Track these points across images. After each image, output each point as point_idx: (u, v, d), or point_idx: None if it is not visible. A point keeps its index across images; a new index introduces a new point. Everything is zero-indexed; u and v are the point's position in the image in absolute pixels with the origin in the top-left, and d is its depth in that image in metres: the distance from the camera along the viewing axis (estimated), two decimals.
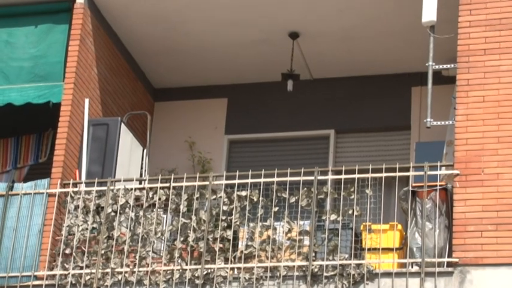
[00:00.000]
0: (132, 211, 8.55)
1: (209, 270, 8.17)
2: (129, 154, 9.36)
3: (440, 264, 7.88)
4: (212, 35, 9.74)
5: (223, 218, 8.35)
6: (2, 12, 9.37)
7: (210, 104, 10.38)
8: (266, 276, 8.07)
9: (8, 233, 8.66)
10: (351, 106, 10.07)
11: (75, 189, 8.72)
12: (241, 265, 8.14)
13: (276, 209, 8.29)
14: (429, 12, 8.42)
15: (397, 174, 8.20)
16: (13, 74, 9.18)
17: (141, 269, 8.29)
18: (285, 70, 9.78)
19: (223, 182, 8.51)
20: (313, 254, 8.06)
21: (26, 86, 9.07)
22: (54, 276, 8.43)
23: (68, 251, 8.52)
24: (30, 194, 8.76)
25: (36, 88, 9.04)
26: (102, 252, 8.42)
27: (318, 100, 10.13)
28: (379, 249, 8.05)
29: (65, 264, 8.46)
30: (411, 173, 8.22)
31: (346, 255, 8.07)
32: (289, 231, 8.22)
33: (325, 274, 7.97)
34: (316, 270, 8.00)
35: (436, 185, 8.10)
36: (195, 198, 8.46)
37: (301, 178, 8.33)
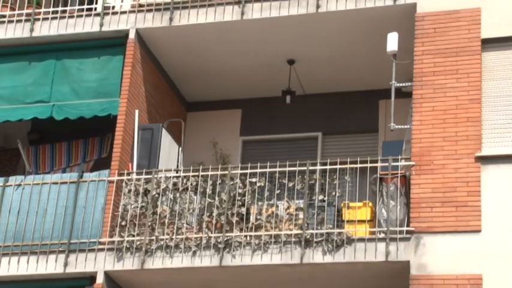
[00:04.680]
0: (171, 193, 8.56)
1: (228, 237, 8.19)
2: (168, 151, 9.35)
3: (400, 232, 7.87)
4: (230, 61, 9.75)
5: (239, 198, 8.38)
6: (76, 46, 9.34)
7: (228, 114, 10.33)
8: (271, 242, 8.09)
9: (79, 210, 8.67)
10: (334, 114, 10.03)
11: (129, 177, 8.72)
12: (252, 233, 8.16)
13: (278, 191, 8.31)
14: (392, 44, 8.45)
15: (369, 165, 8.22)
16: (82, 92, 9.19)
17: (178, 236, 8.30)
18: (284, 88, 9.77)
19: (239, 171, 8.50)
20: (306, 225, 8.08)
21: (92, 102, 9.07)
22: (113, 242, 8.45)
23: (123, 223, 8.51)
24: (95, 181, 8.76)
25: (99, 103, 9.04)
26: (149, 224, 8.43)
27: (309, 110, 10.11)
28: (355, 221, 8.09)
29: (121, 233, 8.46)
30: (379, 164, 8.22)
31: (331, 226, 8.09)
32: (288, 207, 8.25)
33: (315, 240, 8.00)
34: (308, 237, 8.02)
35: (398, 173, 8.09)
36: (217, 183, 8.47)
37: (297, 168, 8.32)
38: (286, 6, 8.88)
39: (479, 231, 7.73)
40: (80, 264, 8.46)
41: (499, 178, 7.87)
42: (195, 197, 8.55)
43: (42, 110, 9.17)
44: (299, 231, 8.09)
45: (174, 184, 8.61)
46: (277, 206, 8.26)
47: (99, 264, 8.42)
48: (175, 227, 8.39)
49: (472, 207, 7.82)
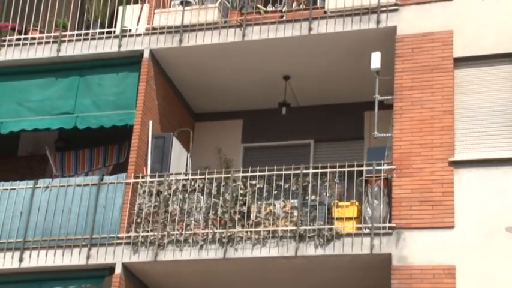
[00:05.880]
0: (181, 194, 8.57)
1: (231, 233, 8.21)
2: (178, 156, 9.33)
3: (383, 228, 7.91)
4: (232, 77, 9.69)
5: (240, 198, 8.40)
6: (97, 64, 9.33)
7: (231, 124, 10.27)
8: (269, 237, 8.12)
9: (100, 209, 8.68)
10: (325, 124, 9.97)
11: (143, 180, 8.73)
12: (253, 229, 8.17)
13: (275, 192, 8.32)
14: (375, 62, 8.43)
15: (355, 169, 8.21)
16: (102, 105, 9.19)
17: (187, 232, 8.31)
18: (281, 100, 9.71)
19: (240, 174, 8.50)
20: (300, 222, 8.10)
21: (111, 113, 9.09)
22: (130, 237, 8.48)
23: (138, 221, 8.54)
24: (114, 183, 8.76)
25: (118, 114, 9.05)
26: (161, 221, 8.46)
27: (302, 120, 10.03)
28: (343, 218, 8.09)
29: (137, 229, 8.48)
30: (364, 168, 8.20)
31: (322, 222, 8.09)
32: (284, 206, 8.25)
33: (308, 235, 8.01)
34: (302, 232, 8.04)
35: (381, 176, 8.11)
36: (222, 185, 8.48)
37: (292, 172, 8.35)
38: (282, 29, 8.94)
39: (452, 227, 7.79)
40: (101, 257, 8.51)
41: (470, 180, 7.93)
42: (202, 197, 8.58)
43: (67, 121, 9.20)
44: (294, 227, 8.12)
45: (183, 186, 8.66)
46: (274, 205, 8.30)
47: (118, 256, 8.47)
48: (184, 224, 8.42)
49: (446, 206, 7.87)
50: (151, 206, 8.61)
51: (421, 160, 8.06)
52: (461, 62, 8.36)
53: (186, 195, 8.58)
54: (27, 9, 9.84)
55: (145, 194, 8.68)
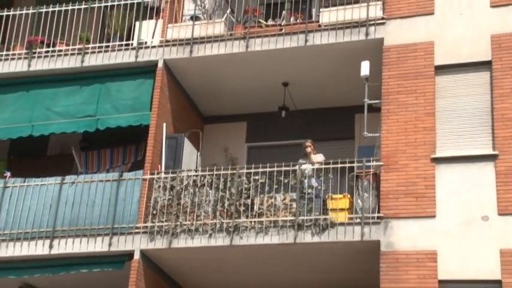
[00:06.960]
0: (192, 188, 8.58)
1: (237, 223, 8.23)
2: (189, 155, 9.31)
3: (373, 218, 7.92)
4: (237, 84, 9.66)
5: (245, 192, 8.41)
6: (116, 73, 9.35)
7: (236, 126, 10.25)
8: (270, 226, 8.13)
9: (120, 202, 8.72)
10: (320, 125, 9.93)
11: (158, 176, 8.74)
12: (256, 219, 8.19)
13: (276, 186, 8.32)
14: (365, 69, 8.41)
15: (347, 165, 8.23)
16: (120, 108, 9.20)
17: (197, 222, 8.34)
18: (280, 104, 9.69)
19: (245, 171, 8.51)
20: (298, 213, 8.11)
21: (128, 115, 9.11)
22: (147, 226, 8.51)
23: (154, 212, 8.56)
24: (132, 179, 8.79)
25: (133, 116, 9.08)
26: (174, 212, 8.48)
27: (300, 122, 9.99)
28: (337, 209, 8.12)
29: (153, 220, 8.50)
30: (355, 165, 8.23)
31: (318, 213, 8.12)
32: (284, 199, 8.26)
33: (305, 224, 8.02)
34: (300, 222, 8.06)
35: (370, 171, 8.12)
36: (228, 180, 8.49)
37: (291, 168, 8.35)
38: (281, 41, 8.98)
39: (434, 216, 7.83)
40: (121, 244, 8.57)
41: (450, 175, 7.96)
42: (211, 191, 8.61)
43: (90, 124, 9.24)
44: (293, 218, 8.15)
45: (194, 181, 8.69)
46: (275, 198, 8.32)
47: (136, 244, 8.52)
48: (195, 215, 8.47)
49: (429, 198, 7.90)
50: (165, 199, 8.64)
51: (406, 157, 8.11)
52: (442, 69, 8.40)
53: (197, 190, 8.62)
54: (54, 24, 9.92)
55: (160, 188, 8.71)
